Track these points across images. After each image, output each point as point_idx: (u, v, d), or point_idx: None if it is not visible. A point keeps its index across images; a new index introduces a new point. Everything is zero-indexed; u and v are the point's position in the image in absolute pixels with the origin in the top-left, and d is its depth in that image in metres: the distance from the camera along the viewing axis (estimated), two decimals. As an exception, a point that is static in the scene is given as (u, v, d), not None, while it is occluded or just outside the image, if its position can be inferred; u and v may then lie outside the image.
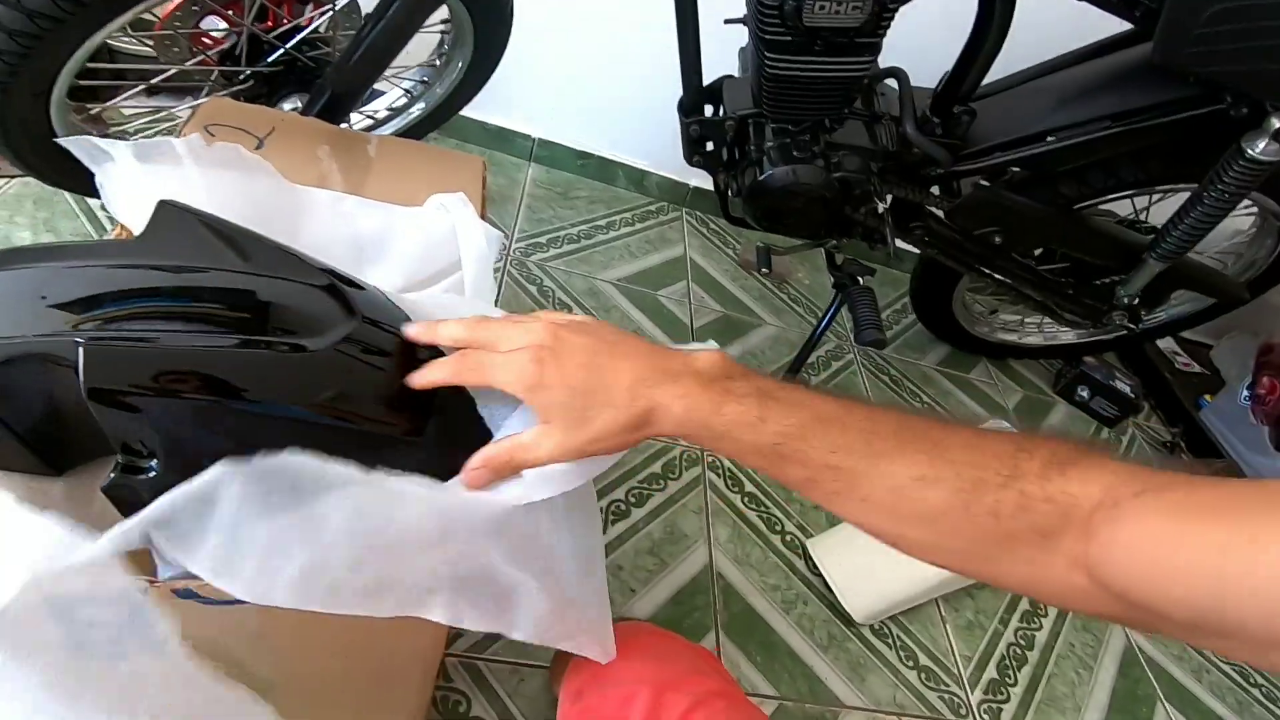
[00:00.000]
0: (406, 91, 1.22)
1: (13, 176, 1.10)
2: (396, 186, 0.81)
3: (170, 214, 0.47)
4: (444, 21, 1.08)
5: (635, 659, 0.55)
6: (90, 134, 0.92)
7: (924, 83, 1.12)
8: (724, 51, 1.51)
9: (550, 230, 1.51)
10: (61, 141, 0.60)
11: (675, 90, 1.56)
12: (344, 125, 1.03)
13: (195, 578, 0.38)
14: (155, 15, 0.86)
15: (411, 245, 0.72)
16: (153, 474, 0.40)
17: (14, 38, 0.71)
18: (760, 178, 1.04)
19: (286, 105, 0.99)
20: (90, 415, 0.39)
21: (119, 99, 0.92)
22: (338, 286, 0.47)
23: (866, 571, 1.05)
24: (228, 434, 0.42)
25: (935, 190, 1.15)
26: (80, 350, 0.38)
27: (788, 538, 1.13)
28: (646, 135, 1.64)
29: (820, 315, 1.56)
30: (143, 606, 0.36)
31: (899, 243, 1.13)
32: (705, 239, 1.69)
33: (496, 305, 0.66)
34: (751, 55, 0.98)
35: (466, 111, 1.38)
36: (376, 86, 1.18)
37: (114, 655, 0.36)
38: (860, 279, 1.18)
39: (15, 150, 0.84)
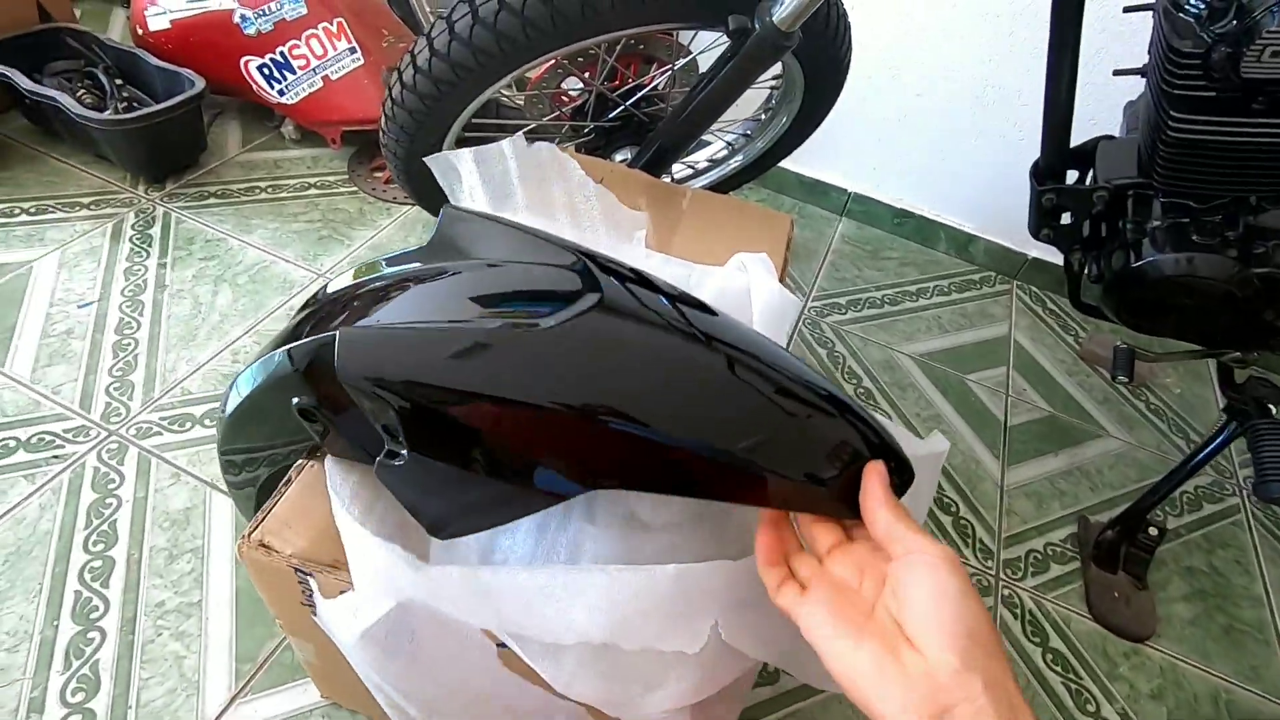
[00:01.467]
0: (728, 144, 1.23)
1: (411, 204, 1.36)
2: (703, 238, 0.82)
3: (453, 217, 0.54)
4: (775, 78, 1.06)
5: None
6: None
7: None
8: (1098, 106, 1.28)
9: (852, 291, 1.41)
10: (426, 160, 0.70)
11: (1017, 148, 1.37)
12: (665, 176, 1.07)
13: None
14: (528, 77, 0.99)
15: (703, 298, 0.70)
16: (399, 463, 0.41)
17: (436, 84, 0.85)
18: (1136, 264, 0.82)
19: (619, 156, 1.07)
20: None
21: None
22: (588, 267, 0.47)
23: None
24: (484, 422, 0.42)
25: None
26: (336, 339, 0.40)
27: (1102, 724, 0.87)
28: (978, 196, 1.45)
29: (1195, 441, 1.22)
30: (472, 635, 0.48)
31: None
32: (1038, 319, 1.42)
33: None
34: (1146, 113, 0.78)
35: (784, 164, 1.36)
36: (703, 137, 1.22)
37: (450, 661, 0.51)
38: (1273, 409, 0.87)
39: (413, 185, 1.02)
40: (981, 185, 1.44)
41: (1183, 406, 1.30)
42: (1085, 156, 0.91)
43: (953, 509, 1.06)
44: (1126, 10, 0.78)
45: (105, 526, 0.84)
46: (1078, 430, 1.22)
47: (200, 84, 1.29)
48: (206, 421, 0.96)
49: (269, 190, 1.36)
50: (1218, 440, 0.96)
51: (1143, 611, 0.97)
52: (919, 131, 1.42)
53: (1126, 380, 0.90)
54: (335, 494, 0.48)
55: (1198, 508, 1.13)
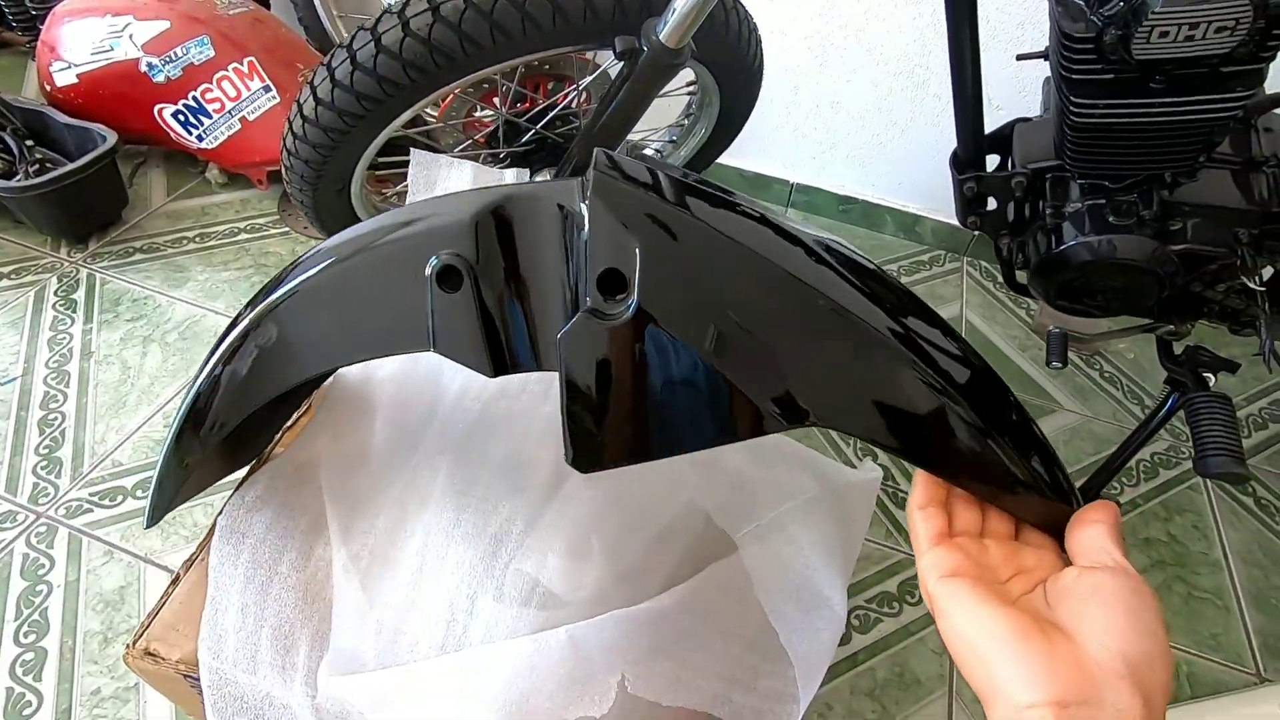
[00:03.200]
0: (657, 151, 1.21)
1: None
2: None
3: None
4: (691, 84, 1.04)
5: None
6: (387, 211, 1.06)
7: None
8: (1016, 87, 1.26)
9: (799, 285, 1.39)
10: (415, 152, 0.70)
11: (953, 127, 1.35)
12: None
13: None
14: (433, 113, 0.96)
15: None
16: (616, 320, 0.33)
17: (328, 133, 0.83)
18: (1058, 249, 0.81)
19: (539, 179, 1.04)
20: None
21: (404, 184, 1.05)
22: None
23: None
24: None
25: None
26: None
27: None
28: (921, 177, 1.43)
29: (1150, 406, 1.21)
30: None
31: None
32: (988, 296, 1.41)
33: None
34: (1053, 97, 0.77)
35: (724, 159, 1.34)
36: (636, 145, 1.20)
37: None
38: (1210, 379, 0.87)
39: (327, 225, 0.99)
40: (922, 165, 1.42)
41: (1137, 372, 1.29)
42: (1003, 141, 0.90)
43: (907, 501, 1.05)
44: (1022, -7, 0.76)
45: (36, 616, 0.82)
46: (1033, 408, 1.21)
47: (111, 138, 1.26)
48: (139, 493, 0.94)
49: (197, 239, 1.33)
50: (1161, 413, 0.95)
51: (1101, 591, 0.96)
52: (854, 117, 1.40)
53: (1060, 365, 0.89)
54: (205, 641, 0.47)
55: (1154, 475, 1.13)
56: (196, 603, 0.49)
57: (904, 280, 1.41)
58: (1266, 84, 0.80)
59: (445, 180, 0.70)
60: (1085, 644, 0.28)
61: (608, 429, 0.34)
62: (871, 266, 0.38)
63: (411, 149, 0.70)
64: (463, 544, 0.51)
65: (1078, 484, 1.08)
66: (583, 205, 0.33)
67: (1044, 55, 0.78)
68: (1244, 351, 1.15)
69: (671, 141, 1.18)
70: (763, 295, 0.33)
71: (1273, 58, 0.64)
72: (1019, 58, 0.82)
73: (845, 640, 0.89)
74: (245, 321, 0.42)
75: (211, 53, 1.27)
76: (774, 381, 0.34)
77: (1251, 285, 0.78)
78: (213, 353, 0.44)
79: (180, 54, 1.26)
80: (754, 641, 0.52)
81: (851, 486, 0.64)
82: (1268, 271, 0.80)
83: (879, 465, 0.66)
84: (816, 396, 0.34)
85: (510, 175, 0.75)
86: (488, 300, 0.36)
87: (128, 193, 1.35)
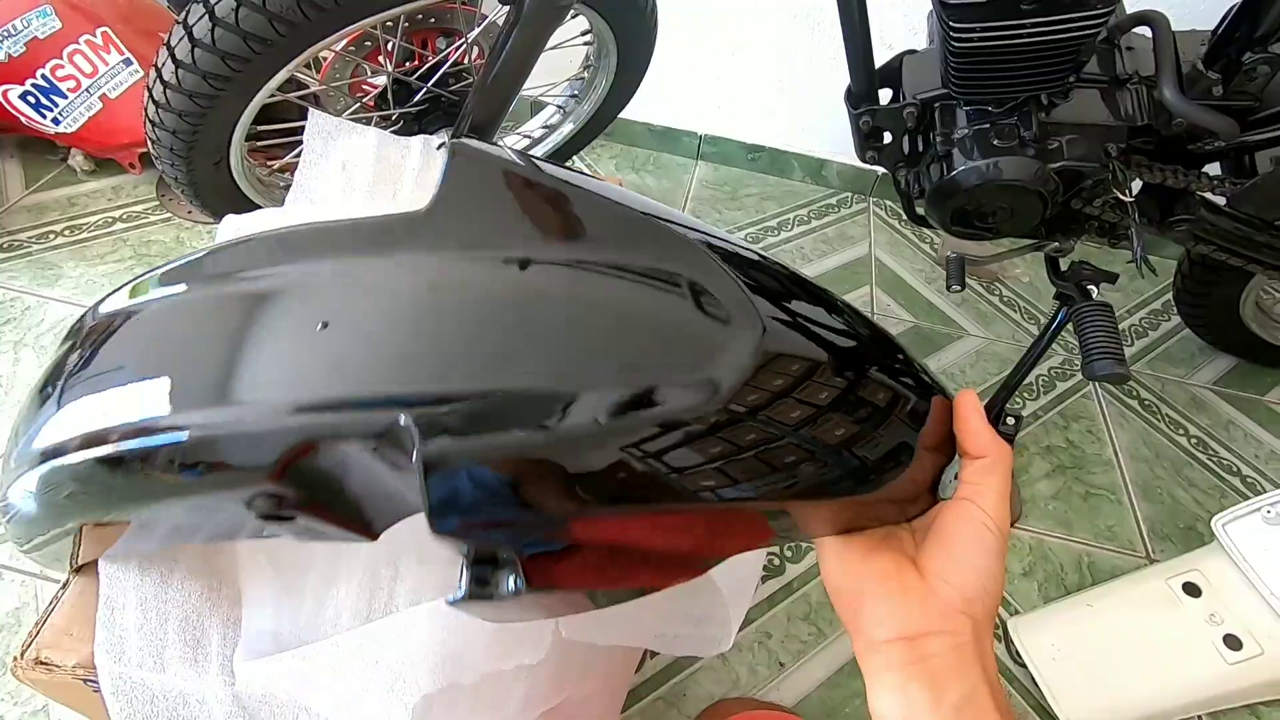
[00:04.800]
0: (559, 108, 1.18)
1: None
2: None
3: (471, 171, 0.34)
4: (585, 33, 1.01)
5: None
6: (276, 186, 1.00)
7: (1198, 23, 0.83)
8: (906, 26, 1.29)
9: (714, 236, 1.40)
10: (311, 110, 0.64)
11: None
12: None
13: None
14: (314, 76, 0.90)
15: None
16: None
17: (193, 98, 0.76)
18: (949, 175, 0.84)
19: (436, 139, 1.00)
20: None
21: (293, 154, 0.98)
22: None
23: (1087, 670, 0.82)
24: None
25: (1211, 170, 0.85)
26: (416, 452, 0.26)
27: (985, 610, 0.93)
28: (824, 120, 1.46)
29: (1041, 325, 1.29)
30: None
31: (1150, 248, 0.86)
32: (895, 233, 1.46)
33: None
34: (934, 28, 0.79)
35: (631, 115, 1.32)
36: (537, 102, 1.17)
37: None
38: (1094, 290, 0.92)
39: (207, 201, 0.93)
40: (823, 109, 1.44)
41: (1032, 294, 1.37)
42: (895, 74, 0.92)
43: (831, 436, 1.09)
44: (898, -78, 0.77)
45: (-78, 649, 0.76)
46: (940, 335, 1.27)
47: (-50, 126, 1.13)
48: (27, 507, 0.87)
49: (66, 233, 1.22)
50: (1052, 327, 1.01)
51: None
52: (754, 64, 1.40)
53: (959, 288, 0.93)
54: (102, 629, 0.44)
55: (1051, 388, 1.21)
56: (90, 603, 0.46)
57: (814, 224, 1.45)
58: (1129, 4, 0.84)
59: (345, 149, 0.66)
60: (931, 581, 0.32)
61: None
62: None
63: (310, 110, 0.66)
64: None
65: (984, 403, 1.15)
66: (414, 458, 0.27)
67: (924, -18, 0.80)
68: (1125, 267, 1.23)
69: (574, 96, 1.15)
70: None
71: (1128, -26, 0.68)
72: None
73: (779, 571, 0.92)
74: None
75: (57, 24, 1.15)
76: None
77: (1123, 198, 0.83)
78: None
79: (20, 27, 1.14)
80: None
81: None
82: (1137, 185, 0.86)
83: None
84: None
85: (416, 145, 0.71)
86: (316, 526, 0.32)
87: (-22, 187, 1.23)
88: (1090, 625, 0.86)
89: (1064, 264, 0.99)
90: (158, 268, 0.39)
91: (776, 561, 0.93)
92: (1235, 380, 1.26)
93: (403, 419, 0.27)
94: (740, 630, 0.64)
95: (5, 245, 1.18)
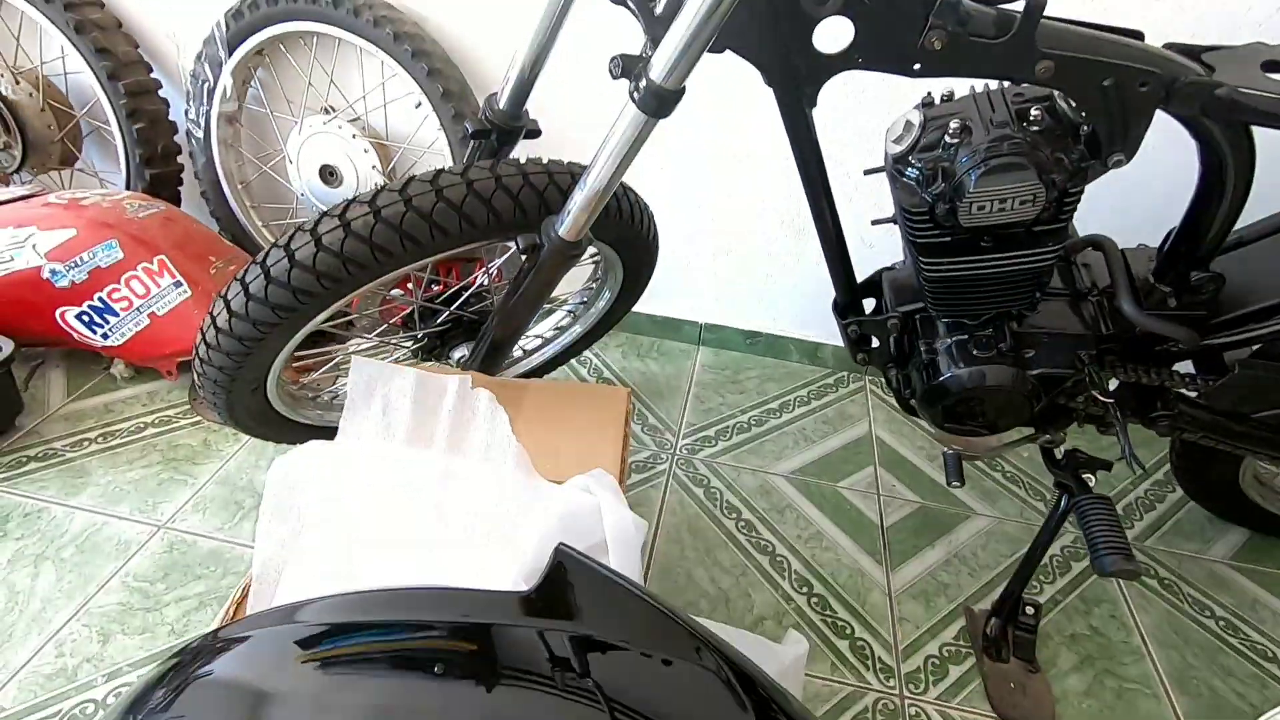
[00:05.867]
0: (569, 312, 1.28)
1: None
2: (550, 430, 0.83)
3: (568, 565, 0.45)
4: (594, 255, 1.13)
5: None
6: (305, 398, 1.06)
7: (1144, 237, 0.94)
8: (885, 229, 1.43)
9: (719, 420, 1.46)
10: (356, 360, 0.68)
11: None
12: (513, 351, 1.10)
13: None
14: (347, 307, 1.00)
15: (551, 526, 0.70)
16: None
17: (242, 341, 0.84)
18: (937, 380, 0.90)
19: (456, 354, 1.08)
20: None
21: (323, 370, 1.06)
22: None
23: None
24: None
25: (1182, 368, 0.91)
26: None
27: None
28: (812, 308, 1.57)
29: (1049, 503, 1.30)
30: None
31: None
32: (892, 410, 1.52)
33: (659, 516, 0.61)
34: (907, 254, 0.89)
35: (635, 307, 1.42)
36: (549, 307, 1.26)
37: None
38: (1090, 479, 0.95)
39: (243, 423, 0.99)
40: (812, 299, 1.55)
41: (1034, 469, 1.39)
42: (875, 286, 1.01)
43: (848, 631, 1.07)
44: (866, 173, 0.89)
45: None
46: (948, 516, 1.28)
47: (9, 347, 1.23)
48: (26, 742, 0.84)
49: (100, 440, 1.27)
50: (1055, 516, 1.03)
51: (1039, 696, 0.99)
52: (748, 263, 1.53)
53: (959, 485, 0.96)
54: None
55: (1067, 569, 1.20)
56: None
57: (813, 404, 1.50)
58: (1081, 226, 0.95)
59: (385, 393, 0.72)
60: None
61: None
62: None
63: (354, 359, 0.72)
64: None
65: (1000, 587, 1.14)
66: None
67: (894, 220, 0.90)
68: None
69: (583, 303, 1.25)
70: None
71: (1070, 218, 0.77)
72: (874, 223, 0.95)
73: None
74: None
75: (120, 255, 1.28)
76: None
77: (1100, 398, 0.88)
78: None
79: (86, 259, 1.27)
80: None
81: (784, 666, 0.67)
82: (1114, 383, 0.92)
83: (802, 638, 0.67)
84: None
85: (453, 386, 0.78)
86: None
87: (22, 399, 1.30)
88: None
89: (1058, 453, 1.02)
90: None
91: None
92: (1252, 553, 1.25)
93: None
94: None
95: (40, 455, 1.23)
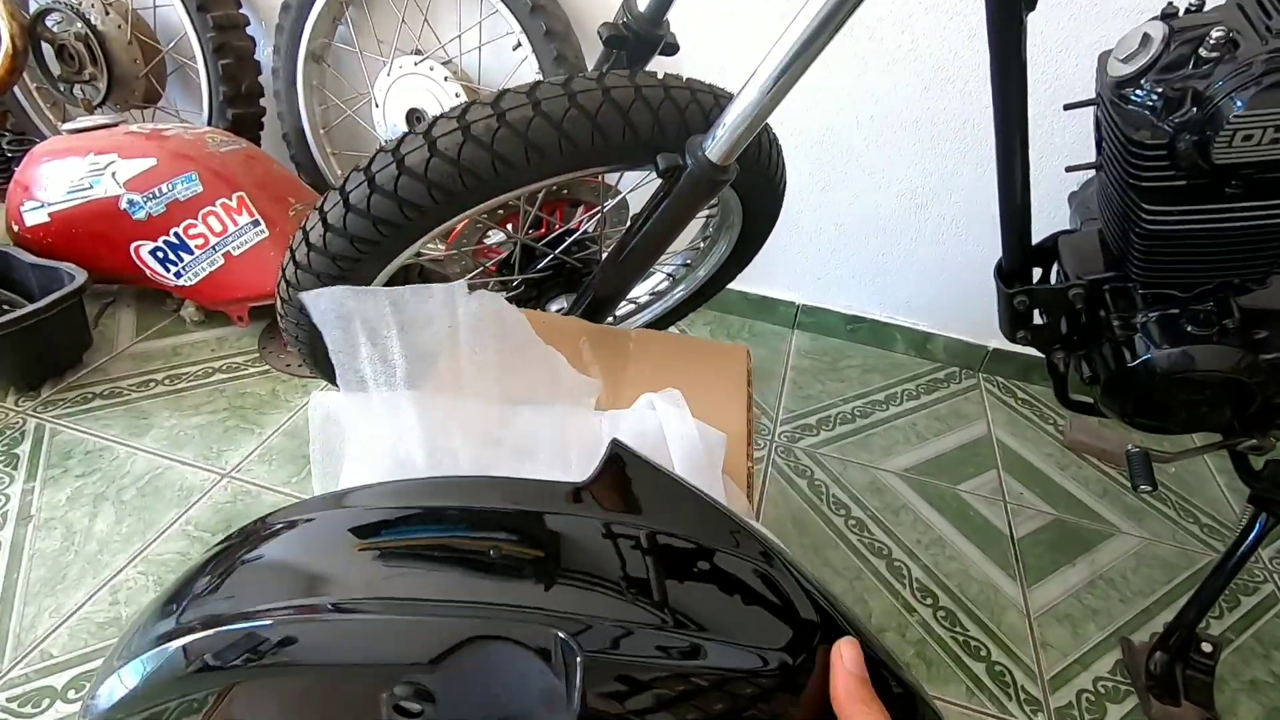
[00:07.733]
0: (669, 275, 1.16)
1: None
2: (656, 385, 0.71)
3: (621, 461, 0.42)
4: (711, 205, 1.01)
5: None
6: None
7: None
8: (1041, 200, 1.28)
9: (820, 408, 1.32)
10: (304, 297, 0.58)
11: (957, 245, 1.35)
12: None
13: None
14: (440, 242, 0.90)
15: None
16: None
17: (336, 261, 0.74)
18: (1134, 363, 0.75)
19: (554, 307, 0.97)
20: None
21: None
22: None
23: None
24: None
25: None
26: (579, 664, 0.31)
27: None
28: (927, 294, 1.42)
29: (1207, 525, 1.13)
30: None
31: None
32: (1013, 412, 1.36)
33: (759, 506, 0.69)
34: (1112, 207, 0.74)
35: (727, 284, 1.30)
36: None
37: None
38: (1305, 495, 0.79)
39: (323, 366, 0.89)
40: (929, 283, 1.41)
41: (1182, 486, 1.22)
42: (1046, 253, 0.87)
43: (983, 653, 0.92)
44: (1067, 108, 0.75)
45: None
46: (1088, 532, 1.12)
47: (81, 277, 1.17)
48: (71, 695, 0.76)
49: (166, 382, 1.21)
50: (1252, 535, 0.87)
51: (1226, 752, 0.83)
52: (858, 238, 1.40)
53: (1150, 488, 0.81)
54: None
55: (1235, 604, 1.03)
56: None
57: (923, 399, 1.36)
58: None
59: (365, 339, 0.59)
60: None
61: None
62: None
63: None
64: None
65: (1158, 617, 0.98)
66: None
67: (1095, 166, 0.76)
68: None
69: (687, 264, 1.13)
70: None
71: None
72: (1068, 169, 0.80)
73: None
74: None
75: (199, 188, 1.21)
76: None
77: (1347, 396, 0.72)
78: None
79: (165, 190, 1.21)
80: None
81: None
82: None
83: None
84: None
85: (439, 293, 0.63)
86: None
87: (92, 334, 1.24)
88: None
89: (1257, 462, 0.86)
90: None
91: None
92: None
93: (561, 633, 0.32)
94: None
95: (106, 393, 1.17)
